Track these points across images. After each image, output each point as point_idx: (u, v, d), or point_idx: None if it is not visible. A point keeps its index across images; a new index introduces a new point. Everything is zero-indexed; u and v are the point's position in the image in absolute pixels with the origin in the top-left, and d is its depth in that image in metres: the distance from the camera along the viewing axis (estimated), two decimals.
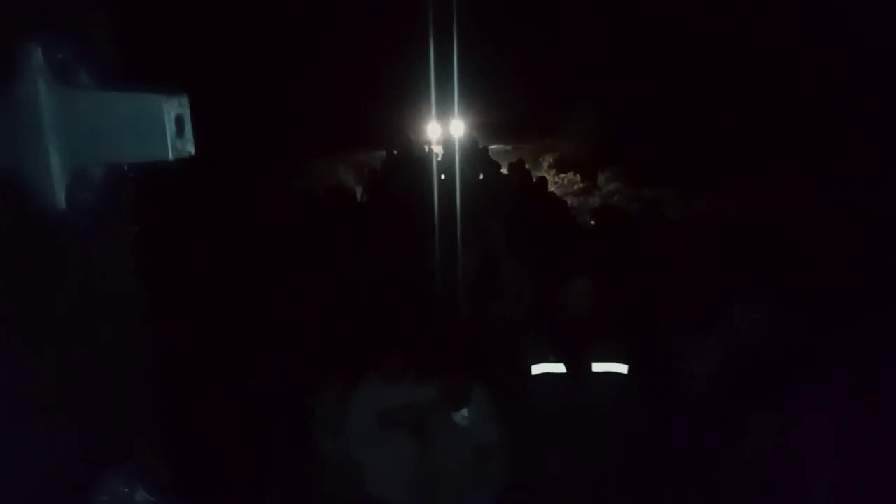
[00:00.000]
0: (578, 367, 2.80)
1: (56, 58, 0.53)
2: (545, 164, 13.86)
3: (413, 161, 9.38)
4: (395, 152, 10.26)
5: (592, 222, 7.86)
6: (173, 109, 0.54)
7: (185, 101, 0.55)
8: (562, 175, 13.13)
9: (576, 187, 12.63)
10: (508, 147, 13.16)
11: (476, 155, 9.23)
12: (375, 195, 8.88)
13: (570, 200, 10.53)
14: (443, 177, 7.74)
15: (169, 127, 0.53)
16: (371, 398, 3.00)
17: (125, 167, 0.57)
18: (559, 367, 2.82)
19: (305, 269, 4.89)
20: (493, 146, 10.99)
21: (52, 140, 0.53)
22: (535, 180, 8.90)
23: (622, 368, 2.80)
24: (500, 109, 11.15)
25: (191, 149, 0.56)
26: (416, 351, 3.13)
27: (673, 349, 3.43)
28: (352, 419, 3.01)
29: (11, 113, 0.52)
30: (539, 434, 2.81)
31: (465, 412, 2.90)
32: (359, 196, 9.20)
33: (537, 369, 2.84)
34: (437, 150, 10.16)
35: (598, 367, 2.80)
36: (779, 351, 3.08)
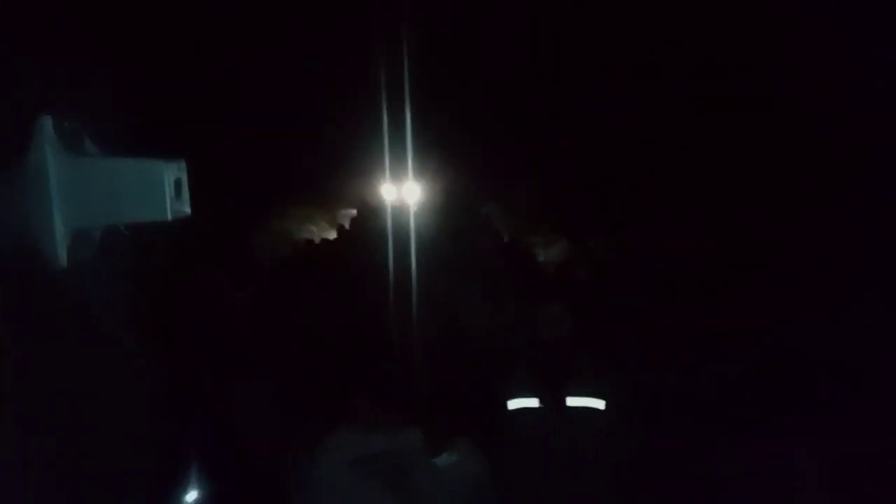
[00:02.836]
0: (554, 401, 2.81)
1: (63, 127, 0.58)
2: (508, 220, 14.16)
3: (381, 217, 9.50)
4: (362, 210, 10.38)
5: (563, 267, 8.03)
6: (173, 174, 0.58)
7: (183, 165, 0.60)
8: (527, 229, 13.41)
9: (541, 241, 12.89)
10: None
11: (461, 212, 9.41)
12: (346, 248, 8.92)
13: (537, 252, 10.74)
14: (410, 231, 7.84)
15: (168, 190, 0.58)
16: (344, 446, 2.92)
17: (124, 228, 0.60)
18: (534, 402, 2.84)
19: (279, 320, 4.88)
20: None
21: (58, 204, 0.57)
22: (502, 235, 9.07)
23: (598, 403, 2.82)
24: (459, 170, 11.47)
25: (187, 209, 0.60)
26: (390, 396, 3.09)
27: (648, 381, 3.47)
28: (324, 470, 2.92)
29: (21, 178, 0.56)
30: (518, 470, 2.79)
31: (445, 456, 2.85)
32: (328, 250, 9.22)
33: (513, 405, 2.84)
34: (405, 206, 10.32)
35: (573, 401, 2.82)
36: (756, 377, 3.14)
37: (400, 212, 9.92)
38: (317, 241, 11.49)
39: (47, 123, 0.57)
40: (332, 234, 11.46)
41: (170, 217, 0.58)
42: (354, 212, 10.70)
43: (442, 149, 11.04)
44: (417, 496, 2.83)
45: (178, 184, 0.59)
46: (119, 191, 0.58)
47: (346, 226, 10.32)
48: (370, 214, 9.95)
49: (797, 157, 7.22)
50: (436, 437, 2.85)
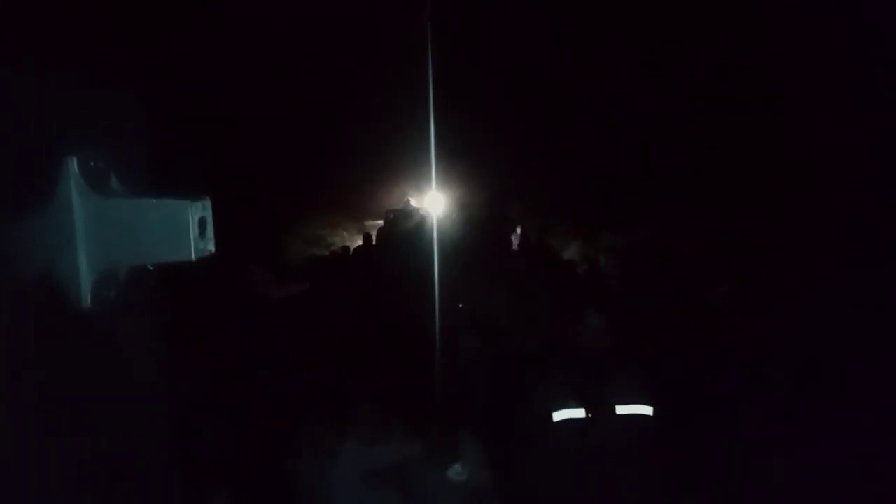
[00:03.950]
0: (600, 410, 2.77)
1: (89, 167, 0.58)
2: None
3: (410, 224, 9.52)
4: (392, 217, 10.42)
5: (596, 271, 7.97)
6: (197, 213, 0.58)
7: (208, 203, 0.59)
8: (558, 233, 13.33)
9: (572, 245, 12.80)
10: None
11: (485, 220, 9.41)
12: (375, 257, 8.97)
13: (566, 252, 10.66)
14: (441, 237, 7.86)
15: (193, 229, 0.57)
16: (356, 457, 2.92)
17: (149, 266, 0.60)
18: (580, 413, 2.79)
19: (300, 331, 4.92)
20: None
21: (83, 244, 0.57)
22: (534, 242, 9.01)
23: (646, 410, 2.76)
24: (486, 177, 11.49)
25: (212, 248, 0.59)
26: (402, 408, 3.08)
27: (692, 388, 3.41)
28: (338, 482, 2.92)
29: (47, 219, 0.56)
30: (562, 481, 2.75)
31: (457, 467, 2.82)
32: (359, 257, 9.29)
33: (559, 416, 2.80)
34: (432, 213, 10.34)
35: (621, 409, 2.77)
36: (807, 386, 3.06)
37: (427, 219, 9.95)
38: (346, 246, 11.61)
39: (73, 163, 0.57)
40: (359, 241, 11.56)
41: (194, 257, 0.58)
42: (381, 222, 10.78)
43: (467, 155, 11.06)
44: None
45: (202, 223, 0.58)
46: (143, 231, 0.57)
47: (373, 234, 10.39)
48: (398, 222, 9.99)
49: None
50: (445, 448, 2.83)
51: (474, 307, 5.04)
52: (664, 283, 5.59)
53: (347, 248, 10.46)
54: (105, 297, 0.58)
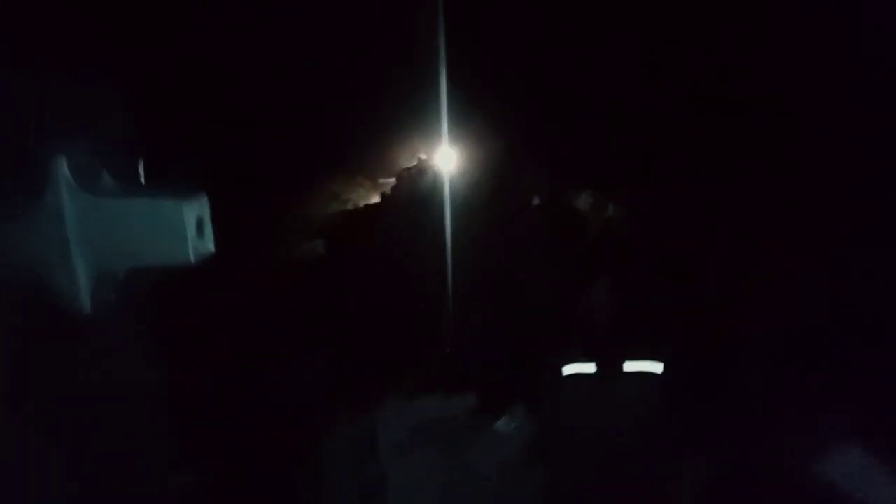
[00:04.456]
0: (610, 366, 2.77)
1: (80, 165, 0.55)
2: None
3: (424, 183, 9.45)
4: (406, 175, 10.34)
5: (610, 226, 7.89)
6: (193, 212, 0.55)
7: (204, 201, 0.56)
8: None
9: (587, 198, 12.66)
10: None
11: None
12: (392, 211, 8.94)
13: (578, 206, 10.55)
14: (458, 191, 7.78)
15: (190, 230, 0.55)
16: (402, 413, 2.94)
17: (147, 269, 0.58)
18: (590, 367, 2.79)
19: (328, 289, 4.93)
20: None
21: (78, 248, 0.54)
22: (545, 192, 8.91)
23: (656, 367, 2.75)
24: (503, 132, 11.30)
25: (211, 247, 0.57)
26: (444, 363, 3.10)
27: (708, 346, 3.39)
28: (384, 438, 2.95)
29: (39, 223, 0.54)
30: (572, 436, 2.77)
31: (502, 422, 2.85)
32: (376, 214, 9.25)
33: (568, 370, 2.81)
34: (446, 169, 10.23)
35: (630, 366, 2.76)
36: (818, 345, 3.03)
37: (441, 176, 9.86)
38: (361, 205, 11.59)
39: (62, 162, 0.54)
40: (376, 199, 11.50)
41: (192, 259, 0.55)
42: (393, 179, 10.69)
43: (479, 112, 10.89)
44: (474, 463, 2.85)
45: (199, 222, 0.55)
46: (139, 232, 0.55)
47: (388, 192, 10.32)
48: (412, 181, 9.91)
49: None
50: (492, 403, 2.84)
51: (495, 264, 5.02)
52: (672, 233, 5.51)
53: (365, 206, 10.42)
54: (104, 300, 0.56)
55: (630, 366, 2.80)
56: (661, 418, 2.73)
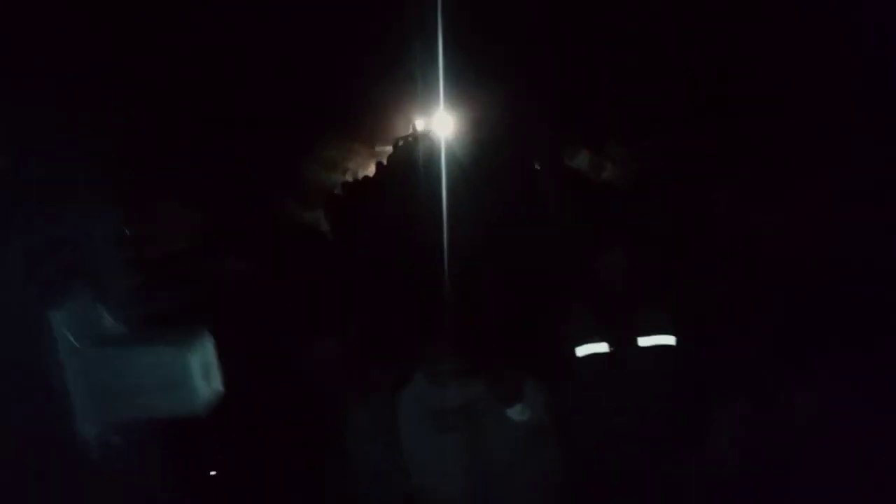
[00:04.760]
0: (623, 344, 2.76)
1: (78, 315, 0.53)
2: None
3: (419, 151, 9.33)
4: (401, 143, 10.19)
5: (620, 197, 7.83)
6: (198, 360, 0.53)
7: (210, 346, 0.54)
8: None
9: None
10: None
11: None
12: (390, 187, 8.86)
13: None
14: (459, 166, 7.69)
15: (196, 379, 0.53)
16: (418, 399, 2.94)
17: (154, 416, 0.56)
18: (603, 347, 2.78)
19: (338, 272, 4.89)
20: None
21: (83, 401, 0.53)
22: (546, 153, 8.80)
23: (669, 340, 2.74)
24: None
25: (219, 387, 0.55)
26: (461, 348, 3.07)
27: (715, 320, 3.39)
28: (404, 422, 2.96)
29: (42, 379, 0.52)
30: (589, 416, 2.78)
31: (518, 408, 2.84)
32: (375, 191, 9.18)
33: (582, 351, 2.79)
34: (442, 136, 10.10)
35: (643, 341, 2.75)
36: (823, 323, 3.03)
37: (436, 144, 9.72)
38: (360, 175, 11.44)
39: (58, 319, 0.52)
40: (372, 169, 11.37)
41: (200, 405, 0.53)
42: (390, 148, 10.52)
43: (474, 76, 10.65)
44: (491, 448, 2.87)
45: (205, 368, 0.54)
46: (144, 383, 0.53)
47: (385, 161, 10.18)
48: (407, 150, 9.77)
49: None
50: (507, 388, 2.83)
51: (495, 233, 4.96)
52: (672, 190, 5.45)
53: (364, 177, 10.36)
54: (110, 449, 0.55)
55: (644, 341, 2.79)
56: (675, 392, 2.72)
